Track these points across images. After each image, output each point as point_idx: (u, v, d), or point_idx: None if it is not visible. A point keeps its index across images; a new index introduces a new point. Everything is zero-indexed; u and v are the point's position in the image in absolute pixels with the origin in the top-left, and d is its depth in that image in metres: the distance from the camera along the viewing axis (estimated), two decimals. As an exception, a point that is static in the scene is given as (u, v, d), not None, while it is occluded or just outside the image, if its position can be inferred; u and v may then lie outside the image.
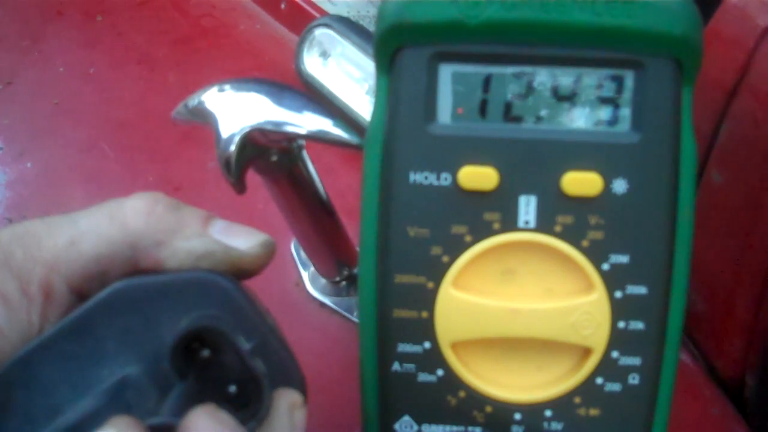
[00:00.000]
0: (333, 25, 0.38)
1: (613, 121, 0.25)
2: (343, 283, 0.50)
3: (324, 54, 0.38)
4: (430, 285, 0.26)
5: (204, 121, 0.35)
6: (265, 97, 0.34)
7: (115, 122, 0.65)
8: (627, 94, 0.25)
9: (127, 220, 0.23)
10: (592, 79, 0.25)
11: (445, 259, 0.25)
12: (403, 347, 0.26)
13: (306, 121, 0.34)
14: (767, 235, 0.38)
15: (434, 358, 0.26)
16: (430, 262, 0.25)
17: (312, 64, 0.38)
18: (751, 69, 0.37)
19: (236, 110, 0.34)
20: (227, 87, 0.35)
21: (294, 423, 0.22)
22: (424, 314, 0.26)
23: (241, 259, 0.24)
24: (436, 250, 0.25)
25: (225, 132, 0.34)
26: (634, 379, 0.26)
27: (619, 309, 0.25)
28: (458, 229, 0.25)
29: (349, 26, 0.37)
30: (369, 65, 0.36)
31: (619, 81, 0.25)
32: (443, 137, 0.25)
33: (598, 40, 0.24)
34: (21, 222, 0.23)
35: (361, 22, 0.38)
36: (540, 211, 0.25)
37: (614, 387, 0.26)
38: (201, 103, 0.35)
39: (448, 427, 0.26)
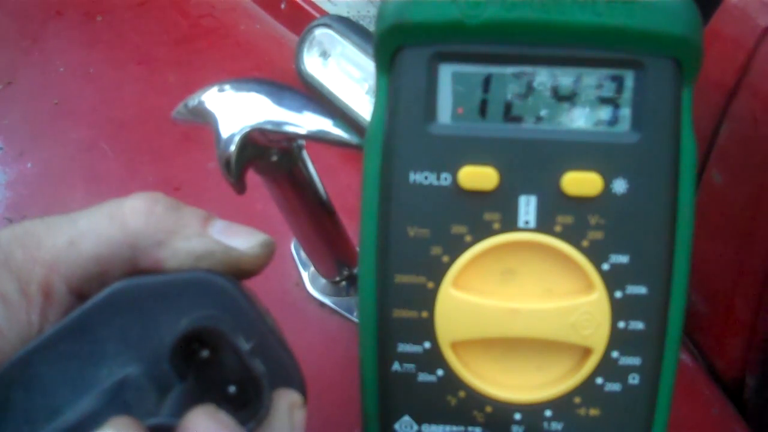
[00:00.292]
0: (333, 25, 0.38)
1: (613, 121, 0.25)
2: (343, 283, 0.50)
3: (324, 54, 0.38)
4: (430, 285, 0.26)
5: (204, 121, 0.35)
6: (265, 97, 0.34)
7: (115, 122, 0.65)
8: (627, 94, 0.25)
9: (127, 220, 0.23)
10: (592, 79, 0.25)
11: (445, 259, 0.25)
12: (403, 347, 0.26)
13: (306, 121, 0.34)
14: (767, 235, 0.38)
15: (434, 358, 0.26)
16: (430, 262, 0.25)
17: (312, 64, 0.38)
18: (751, 69, 0.37)
19: (236, 110, 0.34)
20: (227, 87, 0.35)
21: (293, 423, 0.22)
22: (424, 314, 0.26)
23: (241, 259, 0.24)
24: (436, 250, 0.25)
25: (225, 132, 0.34)
26: (634, 379, 0.26)
27: (619, 309, 0.25)
28: (458, 229, 0.25)
29: (349, 26, 0.37)
30: (369, 65, 0.36)
31: (619, 81, 0.25)
32: (443, 137, 0.25)
33: (598, 40, 0.24)
34: (21, 222, 0.23)
35: (361, 22, 0.38)
36: (540, 211, 0.25)
37: (614, 387, 0.26)
38: (201, 103, 0.35)
39: (448, 427, 0.26)
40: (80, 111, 0.67)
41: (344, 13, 0.66)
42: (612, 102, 0.25)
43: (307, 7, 0.66)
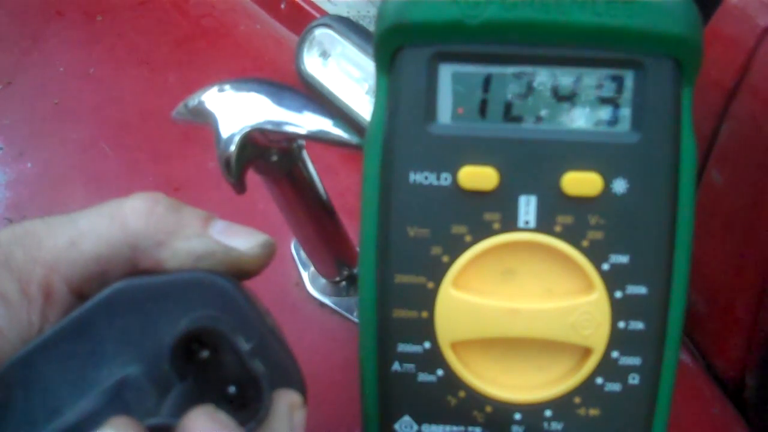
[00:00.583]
0: (333, 25, 0.38)
1: (613, 121, 0.25)
2: (343, 283, 0.50)
3: (324, 54, 0.38)
4: (430, 285, 0.26)
5: (204, 121, 0.35)
6: (265, 97, 0.34)
7: (115, 122, 0.65)
8: (627, 94, 0.25)
9: (127, 220, 0.23)
10: (592, 79, 0.25)
11: (445, 259, 0.25)
12: (403, 347, 0.26)
13: (306, 121, 0.34)
14: (767, 236, 0.38)
15: (434, 358, 0.26)
16: (430, 262, 0.25)
17: (312, 64, 0.38)
18: (751, 69, 0.37)
19: (236, 110, 0.34)
20: (227, 87, 0.35)
21: (293, 424, 0.22)
22: (424, 314, 0.26)
23: (241, 260, 0.24)
24: (436, 250, 0.25)
25: (225, 132, 0.34)
26: (634, 379, 0.26)
27: (619, 309, 0.25)
28: (458, 229, 0.25)
29: (349, 26, 0.37)
30: (369, 65, 0.36)
31: (619, 81, 0.25)
32: (443, 137, 0.25)
33: (598, 40, 0.24)
34: (21, 222, 0.23)
35: (361, 22, 0.38)
36: (540, 211, 0.25)
37: (614, 387, 0.26)
38: (201, 103, 0.35)
39: (448, 427, 0.26)
40: (80, 111, 0.67)
41: (344, 13, 0.66)
42: (612, 102, 0.25)
43: (307, 7, 0.66)
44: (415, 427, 0.27)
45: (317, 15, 0.63)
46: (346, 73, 0.37)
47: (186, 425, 0.20)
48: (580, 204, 0.25)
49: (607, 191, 0.25)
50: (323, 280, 0.51)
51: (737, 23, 0.37)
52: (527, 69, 0.25)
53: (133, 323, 0.22)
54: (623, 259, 0.25)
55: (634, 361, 0.25)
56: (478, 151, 0.25)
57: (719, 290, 0.42)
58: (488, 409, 0.26)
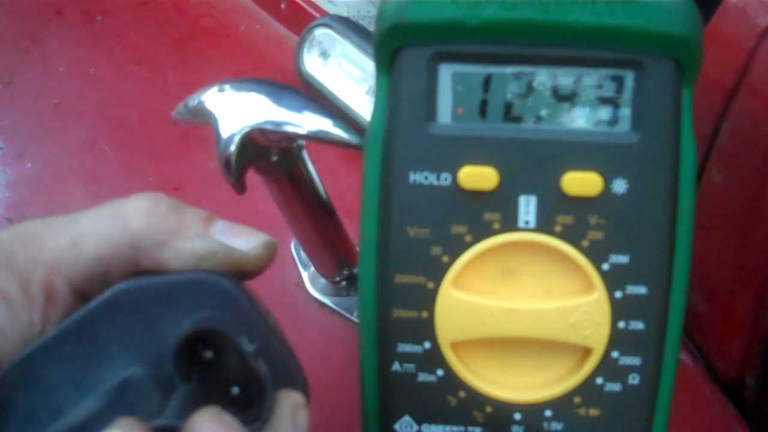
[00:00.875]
0: (333, 25, 0.38)
1: (613, 121, 0.25)
2: (343, 283, 0.50)
3: (324, 54, 0.38)
4: (430, 285, 0.26)
5: (204, 121, 0.35)
6: (265, 97, 0.34)
7: (115, 122, 0.65)
8: (627, 94, 0.25)
9: (129, 220, 0.23)
10: (592, 79, 0.25)
11: (445, 259, 0.25)
12: (403, 347, 0.26)
13: (306, 121, 0.34)
14: (767, 235, 0.38)
15: (434, 358, 0.26)
16: (430, 262, 0.25)
17: (312, 64, 0.38)
18: (751, 69, 0.37)
19: (236, 110, 0.34)
20: (227, 87, 0.35)
21: (297, 424, 0.22)
22: (424, 314, 0.26)
23: (243, 260, 0.24)
24: (436, 250, 0.25)
25: (225, 132, 0.34)
26: (634, 379, 0.26)
27: (619, 309, 0.25)
28: (458, 229, 0.25)
29: (349, 26, 0.37)
30: (369, 65, 0.36)
31: (619, 81, 0.25)
32: (443, 137, 0.25)
33: (598, 40, 0.24)
34: (22, 222, 0.23)
35: (361, 22, 0.38)
36: (540, 211, 0.25)
37: (614, 387, 0.26)
38: (201, 103, 0.35)
39: (448, 427, 0.26)
40: (80, 111, 0.67)
41: (344, 13, 0.66)
42: (612, 102, 0.25)
43: (307, 7, 0.66)
44: (415, 427, 0.27)
45: (317, 15, 0.63)
46: (346, 73, 0.37)
47: (192, 427, 0.20)
48: (580, 204, 0.25)
49: (607, 191, 0.25)
50: (323, 280, 0.51)
51: (737, 23, 0.37)
52: (527, 69, 0.25)
53: (135, 324, 0.22)
54: (623, 259, 0.25)
55: (634, 361, 0.25)
56: (478, 151, 0.25)
57: (719, 290, 0.42)
58: (488, 409, 0.26)
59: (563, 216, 0.25)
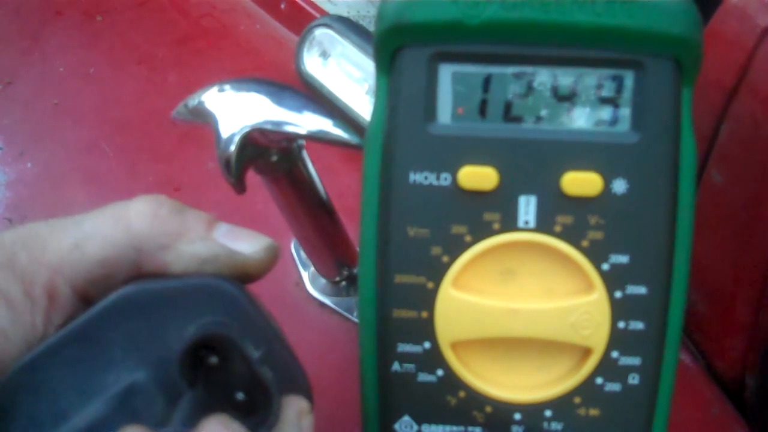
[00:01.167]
0: (333, 25, 0.38)
1: (613, 121, 0.25)
2: (343, 283, 0.50)
3: (324, 54, 0.38)
4: (430, 285, 0.26)
5: (204, 121, 0.35)
6: (265, 97, 0.34)
7: (115, 122, 0.65)
8: (627, 94, 0.25)
9: (132, 223, 0.23)
10: (592, 79, 0.25)
11: (445, 259, 0.25)
12: (403, 347, 0.26)
13: (306, 121, 0.34)
14: (767, 235, 0.38)
15: (434, 358, 0.26)
16: (430, 262, 0.25)
17: (312, 64, 0.38)
18: (751, 69, 0.37)
19: (236, 110, 0.34)
20: (227, 87, 0.35)
21: (302, 430, 0.22)
22: (424, 314, 0.26)
23: (246, 263, 0.23)
24: (436, 250, 0.25)
25: (225, 132, 0.34)
26: (634, 379, 0.26)
27: (619, 309, 0.25)
28: (458, 229, 0.25)
29: (349, 26, 0.37)
30: (369, 65, 0.36)
31: (619, 81, 0.25)
32: (443, 137, 0.25)
33: (598, 40, 0.24)
34: (25, 224, 0.23)
35: (361, 22, 0.38)
36: (540, 211, 0.25)
37: (614, 387, 0.26)
38: (201, 103, 0.35)
39: (447, 427, 0.26)
40: (80, 111, 0.67)
41: (344, 13, 0.66)
42: (612, 102, 0.25)
43: (307, 7, 0.66)
44: (415, 427, 0.27)
45: (317, 15, 0.63)
46: (346, 73, 0.37)
47: None
48: (580, 204, 0.25)
49: (607, 191, 0.25)
50: (323, 280, 0.51)
51: (737, 23, 0.37)
52: (527, 69, 0.25)
53: (140, 328, 0.22)
54: (623, 259, 0.25)
55: (634, 361, 0.25)
56: (478, 151, 0.25)
57: (719, 290, 0.42)
58: (488, 409, 0.26)
59: (563, 216, 0.25)
